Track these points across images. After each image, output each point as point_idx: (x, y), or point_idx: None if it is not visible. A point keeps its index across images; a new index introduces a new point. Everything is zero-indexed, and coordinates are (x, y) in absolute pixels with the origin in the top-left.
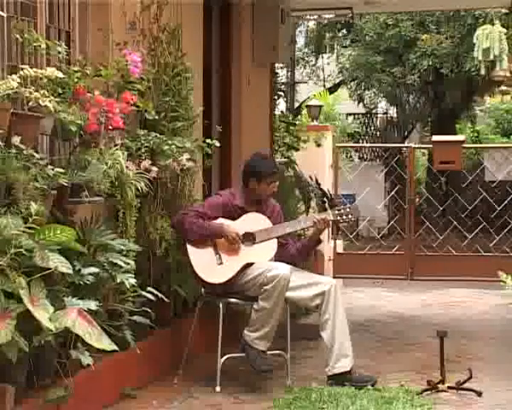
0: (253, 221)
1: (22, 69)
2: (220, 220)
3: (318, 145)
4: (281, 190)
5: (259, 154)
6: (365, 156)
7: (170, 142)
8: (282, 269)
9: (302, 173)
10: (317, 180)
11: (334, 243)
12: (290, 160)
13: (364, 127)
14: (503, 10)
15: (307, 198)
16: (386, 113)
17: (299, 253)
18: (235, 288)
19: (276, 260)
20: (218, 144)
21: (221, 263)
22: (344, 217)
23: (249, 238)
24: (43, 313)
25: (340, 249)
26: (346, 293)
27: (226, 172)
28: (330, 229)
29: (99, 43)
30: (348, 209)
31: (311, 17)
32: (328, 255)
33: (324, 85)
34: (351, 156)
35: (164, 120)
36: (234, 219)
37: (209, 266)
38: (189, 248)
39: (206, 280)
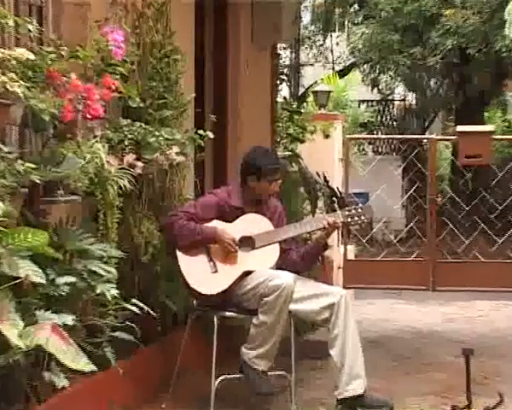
0: (251, 224)
1: None
2: (214, 223)
3: (326, 137)
4: (284, 189)
5: (259, 147)
6: (380, 149)
7: (157, 133)
8: (286, 278)
9: (308, 169)
10: (324, 177)
11: (345, 248)
12: (294, 153)
13: (379, 116)
14: None
15: (314, 197)
16: (403, 99)
17: (304, 260)
18: (231, 299)
19: (277, 268)
20: (211, 136)
21: (216, 271)
22: (355, 218)
23: (248, 243)
24: (11, 329)
25: (350, 256)
26: (357, 305)
27: (221, 168)
28: (340, 232)
29: (76, 20)
30: (360, 210)
31: None
32: (337, 263)
33: (333, 68)
34: (363, 149)
35: (150, 108)
36: (230, 221)
37: (202, 274)
38: (180, 254)
39: (198, 291)
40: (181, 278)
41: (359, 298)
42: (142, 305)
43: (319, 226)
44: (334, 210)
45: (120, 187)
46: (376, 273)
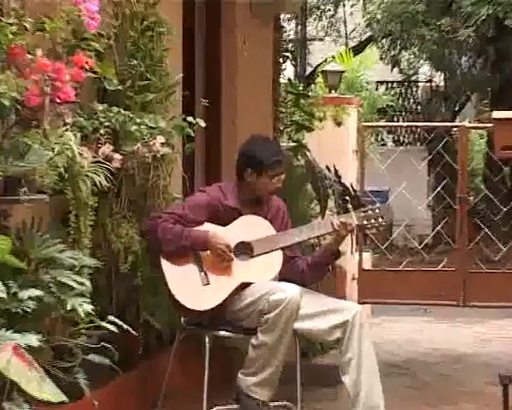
0: (250, 227)
1: None
2: (206, 226)
3: (338, 124)
4: (288, 186)
5: (259, 136)
6: (402, 139)
7: (138, 120)
8: (290, 291)
9: (316, 163)
10: (336, 172)
11: (360, 256)
12: (300, 144)
13: (401, 100)
14: None
15: (323, 196)
16: (430, 80)
17: (312, 270)
18: (226, 317)
19: (280, 280)
20: (203, 124)
21: (207, 284)
22: (372, 221)
23: (245, 250)
24: None
25: (367, 265)
26: (375, 324)
27: (214, 162)
28: (354, 237)
29: None
30: (378, 211)
31: None
32: (351, 273)
33: (347, 44)
34: (382, 139)
35: (130, 91)
36: (224, 224)
37: (191, 287)
38: (165, 263)
39: (187, 306)
40: (166, 292)
41: (377, 315)
42: (120, 323)
43: (329, 230)
44: (348, 211)
45: (95, 184)
46: (397, 286)
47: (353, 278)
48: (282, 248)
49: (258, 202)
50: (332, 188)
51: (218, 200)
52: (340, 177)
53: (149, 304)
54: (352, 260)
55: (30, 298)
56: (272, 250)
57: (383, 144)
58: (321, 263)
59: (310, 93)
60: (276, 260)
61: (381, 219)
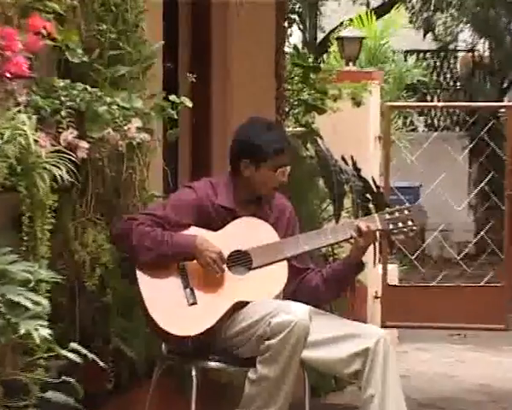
0: (247, 232)
1: None
2: (193, 231)
3: (358, 104)
4: (294, 181)
5: (258, 119)
6: (437, 123)
7: (108, 99)
8: (297, 312)
9: (330, 152)
10: (354, 164)
11: (384, 268)
12: (310, 129)
13: (435, 74)
14: None
15: (338, 194)
16: (471, 50)
17: (328, 285)
18: (217, 344)
19: (285, 298)
20: (189, 103)
21: (194, 303)
22: (400, 225)
23: (241, 261)
24: None
25: (393, 280)
26: (403, 353)
27: (203, 151)
28: (377, 245)
29: None
30: (407, 212)
31: None
32: (373, 290)
33: (368, 4)
34: (412, 123)
35: (98, 63)
36: (216, 228)
37: (174, 307)
38: (141, 277)
39: (168, 331)
40: (143, 312)
41: (406, 342)
42: (85, 351)
43: (346, 237)
44: (369, 213)
45: (55, 178)
46: (430, 306)
47: (376, 296)
48: (288, 259)
49: (257, 201)
50: (349, 184)
51: (207, 198)
52: (359, 170)
53: (122, 328)
54: (375, 274)
55: None
56: (275, 261)
57: (413, 129)
58: (340, 277)
59: (322, 65)
60: (280, 273)
61: (410, 223)
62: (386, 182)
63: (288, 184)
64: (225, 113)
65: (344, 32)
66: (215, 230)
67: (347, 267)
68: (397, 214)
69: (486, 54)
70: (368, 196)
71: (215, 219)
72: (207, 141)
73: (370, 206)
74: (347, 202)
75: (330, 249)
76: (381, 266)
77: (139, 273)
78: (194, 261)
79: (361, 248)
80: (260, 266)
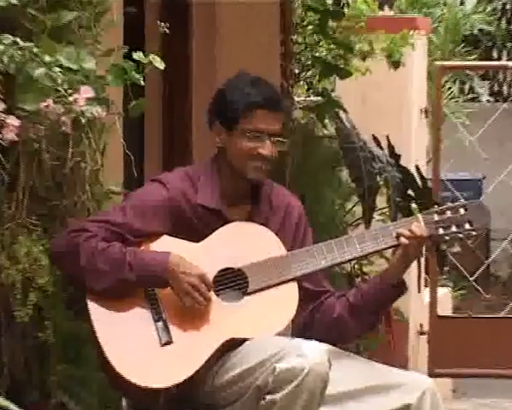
0: (241, 243)
1: None
2: (166, 243)
3: (396, 65)
4: (307, 172)
5: (247, 74)
6: (506, 90)
7: (48, 58)
8: (312, 354)
9: (357, 131)
10: (391, 147)
11: (433, 293)
12: (329, 99)
13: (504, 21)
14: None
15: (368, 188)
16: None
17: (354, 315)
18: (200, 397)
19: (296, 335)
20: (160, 64)
21: (168, 342)
22: (453, 229)
23: (233, 283)
24: None
25: (445, 309)
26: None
27: (179, 130)
28: (422, 260)
29: None
30: (464, 212)
31: None
32: (417, 322)
33: None
34: (472, 90)
35: (34, 8)
36: (197, 237)
37: (140, 348)
38: (94, 307)
39: (132, 381)
40: (97, 355)
41: (464, 395)
42: (15, 409)
43: (381, 247)
44: (411, 213)
45: None
46: (498, 345)
47: (421, 332)
48: (299, 279)
49: (252, 196)
50: (384, 175)
51: (184, 196)
52: (398, 156)
53: (66, 376)
54: (419, 302)
55: None
56: (281, 282)
57: (474, 98)
58: (373, 304)
59: (345, 10)
60: (287, 299)
61: (468, 226)
62: (435, 172)
63: (297, 177)
64: (210, 77)
65: None
66: (196, 240)
67: (382, 290)
68: (448, 214)
69: None
70: (410, 192)
71: (196, 226)
72: (185, 116)
73: (413, 206)
74: (381, 201)
75: (357, 266)
76: (427, 291)
77: (91, 303)
78: (169, 290)
79: (401, 263)
80: (260, 290)
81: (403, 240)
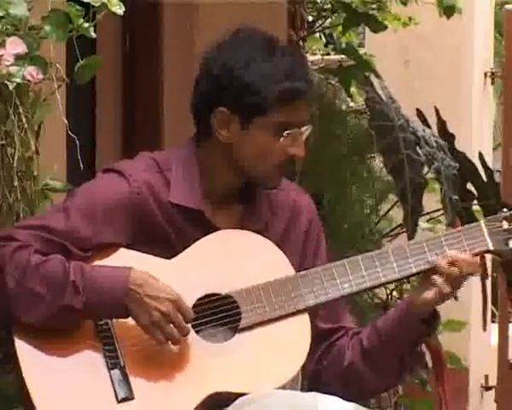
0: (230, 259)
1: None
2: (124, 258)
3: (449, 12)
4: (325, 160)
5: (253, 33)
6: None
7: None
8: None
9: (396, 103)
10: (443, 125)
11: (503, 334)
12: (357, 58)
13: None
14: None
15: (412, 184)
16: None
17: (368, 360)
18: None
19: (308, 386)
20: (119, 10)
21: (127, 398)
22: None
23: (220, 316)
24: None
25: None
26: None
27: (144, 102)
28: (488, 284)
29: None
30: None
31: None
32: (481, 375)
33: None
34: None
35: None
36: (171, 250)
37: (89, 406)
38: (23, 348)
39: None
40: None
41: None
42: None
43: (425, 267)
44: (473, 219)
45: None
46: None
47: (486, 387)
48: (309, 311)
49: (246, 195)
50: (434, 165)
51: (150, 192)
52: (452, 137)
53: None
54: (484, 345)
55: None
56: (286, 315)
57: None
58: (393, 345)
59: None
60: (295, 338)
61: None
62: (505, 162)
63: (311, 167)
64: (189, 29)
65: None
66: (167, 255)
67: (408, 326)
68: None
69: None
70: (470, 188)
71: (167, 234)
72: (153, 84)
73: (475, 207)
74: (430, 200)
75: (396, 292)
76: (495, 329)
77: (20, 343)
78: (130, 320)
79: (447, 290)
80: (257, 325)
81: (460, 261)
